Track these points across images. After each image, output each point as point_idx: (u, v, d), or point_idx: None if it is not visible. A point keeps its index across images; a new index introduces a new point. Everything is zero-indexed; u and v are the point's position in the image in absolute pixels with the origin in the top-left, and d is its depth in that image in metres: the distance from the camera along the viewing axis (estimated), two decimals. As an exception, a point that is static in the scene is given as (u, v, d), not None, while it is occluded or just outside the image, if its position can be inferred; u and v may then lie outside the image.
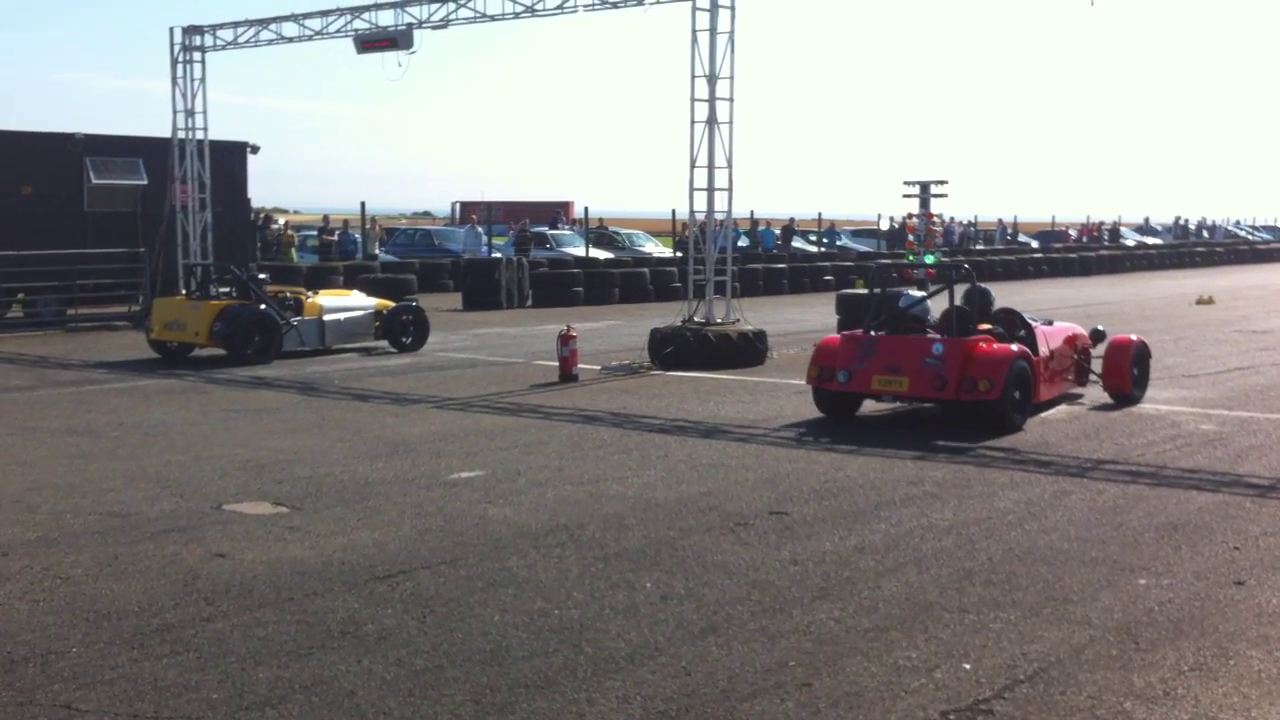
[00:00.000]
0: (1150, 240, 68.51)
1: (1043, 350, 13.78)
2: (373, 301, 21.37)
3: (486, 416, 13.94)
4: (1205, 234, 77.92)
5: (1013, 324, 14.00)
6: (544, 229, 43.91)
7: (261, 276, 20.96)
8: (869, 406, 13.82)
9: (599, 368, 18.11)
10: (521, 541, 8.35)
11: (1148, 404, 14.49)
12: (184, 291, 21.91)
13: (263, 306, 19.50)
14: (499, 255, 34.69)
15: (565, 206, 67.44)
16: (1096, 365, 14.89)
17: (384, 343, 20.91)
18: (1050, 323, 14.94)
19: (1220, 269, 56.24)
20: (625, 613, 6.85)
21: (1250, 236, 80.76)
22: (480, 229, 39.42)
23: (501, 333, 24.19)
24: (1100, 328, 15.84)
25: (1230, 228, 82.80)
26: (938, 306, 14.88)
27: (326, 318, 20.34)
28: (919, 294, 14.76)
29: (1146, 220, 78.32)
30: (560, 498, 9.70)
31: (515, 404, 14.86)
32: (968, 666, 6.05)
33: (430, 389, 16.08)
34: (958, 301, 13.73)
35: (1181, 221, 79.84)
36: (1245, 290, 38.89)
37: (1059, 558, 7.99)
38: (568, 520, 8.93)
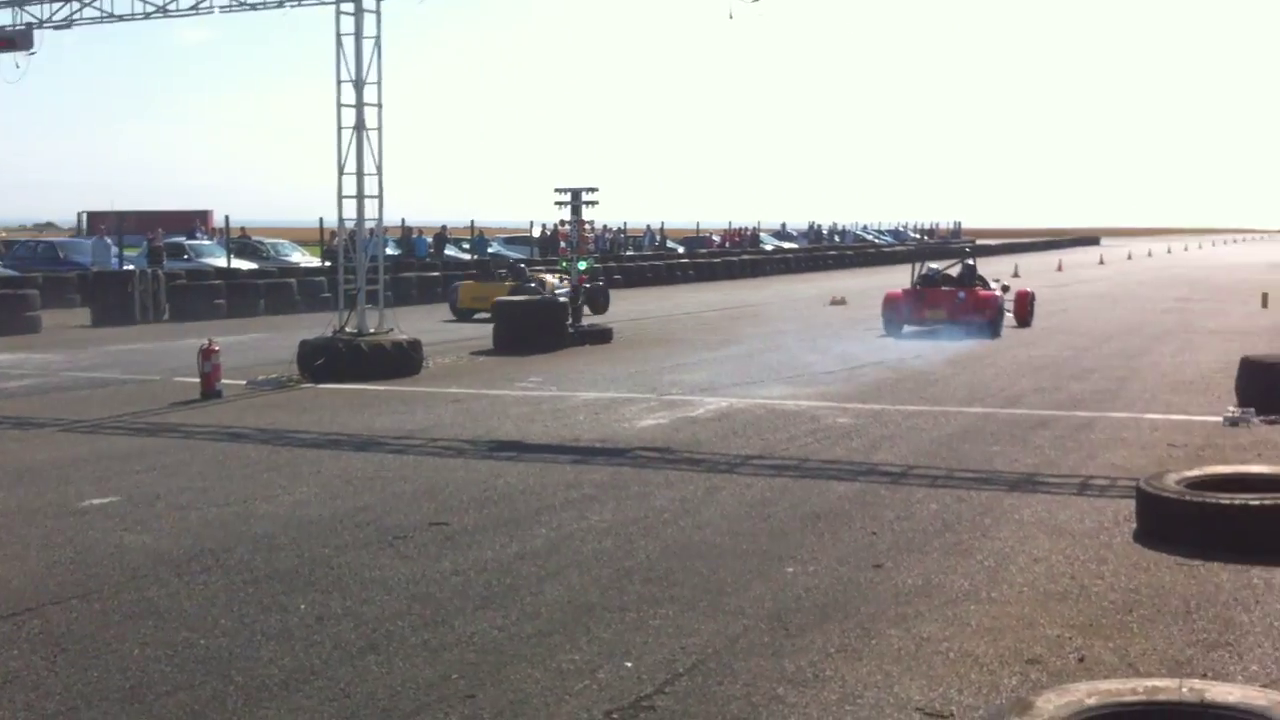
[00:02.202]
0: (787, 245, 72.15)
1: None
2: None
3: (121, 438, 13.10)
4: (836, 238, 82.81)
5: (984, 282, 25.02)
6: (181, 239, 41.90)
7: (521, 265, 32.47)
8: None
9: (245, 382, 17.36)
10: (162, 569, 7.84)
11: (789, 400, 15.18)
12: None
13: (531, 285, 28.70)
14: (131, 267, 32.81)
15: (204, 215, 64.59)
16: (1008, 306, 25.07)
17: (585, 308, 26.37)
18: (996, 282, 25.84)
19: (850, 271, 59.82)
20: (278, 637, 6.52)
21: (876, 240, 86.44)
22: (110, 240, 37.17)
23: (136, 349, 22.85)
24: (1005, 284, 26.66)
25: (859, 232, 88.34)
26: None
27: (556, 293, 27.51)
28: (937, 266, 26.18)
29: (783, 225, 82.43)
30: (204, 520, 9.19)
31: (153, 424, 14.04)
32: (629, 664, 6.09)
33: (56, 411, 14.98)
34: (954, 271, 25.64)
35: (815, 227, 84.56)
36: (873, 291, 41.32)
37: (713, 552, 8.20)
38: (213, 544, 8.46)
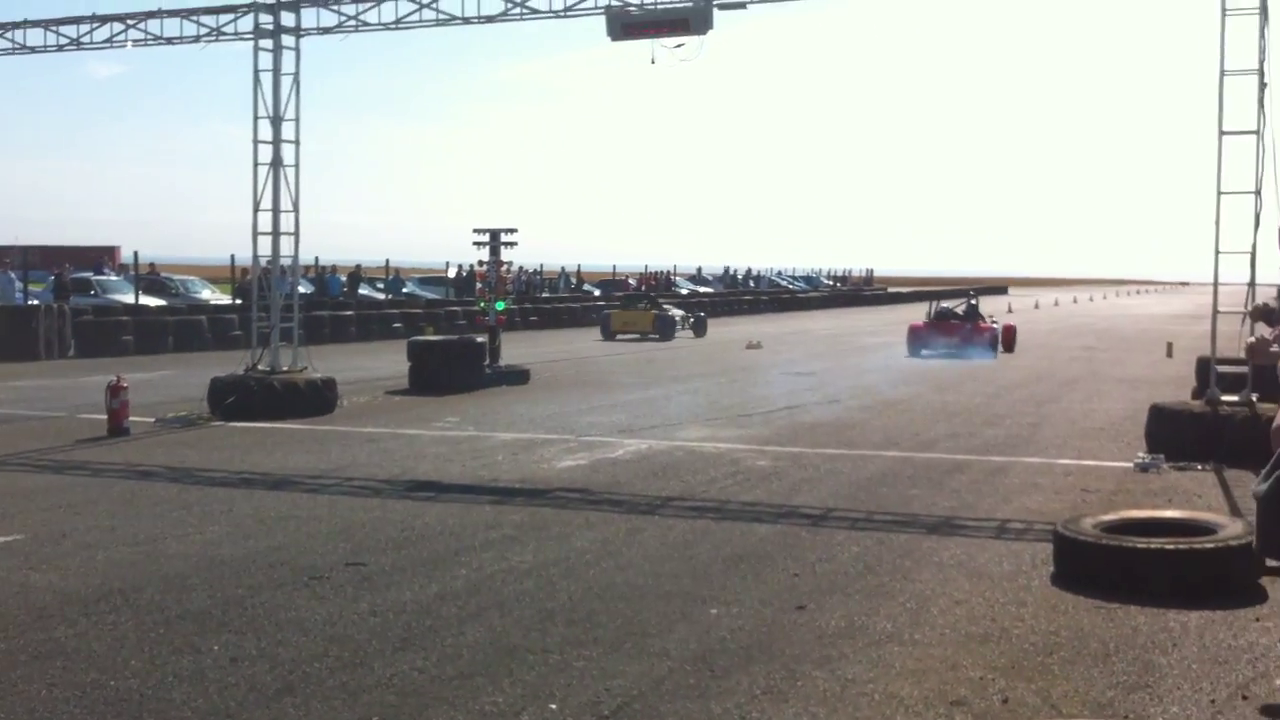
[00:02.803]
0: (703, 289, 72.49)
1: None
2: (681, 311, 42.17)
3: (25, 475, 12.73)
4: (751, 283, 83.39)
5: (983, 317, 32.52)
6: (88, 275, 41.07)
7: (654, 296, 45.18)
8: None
9: (153, 420, 17.01)
10: (70, 609, 7.59)
11: (708, 443, 15.18)
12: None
13: (668, 313, 39.87)
14: (36, 302, 32.08)
15: (111, 251, 63.41)
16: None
17: (690, 331, 40.23)
18: (990, 318, 33.28)
19: (765, 316, 60.29)
20: (191, 679, 6.33)
21: (790, 285, 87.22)
22: (14, 274, 36.34)
23: (41, 385, 22.31)
24: (995, 320, 33.19)
25: (773, 277, 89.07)
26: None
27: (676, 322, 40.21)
28: (948, 304, 33.96)
29: (699, 270, 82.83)
30: (113, 560, 8.94)
31: (58, 461, 13.67)
32: (554, 707, 5.99)
33: (-41, 447, 14.54)
34: (960, 309, 33.62)
35: (730, 271, 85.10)
36: (788, 335, 41.82)
37: (636, 593, 8.13)
38: (122, 584, 8.22)
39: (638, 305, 41.36)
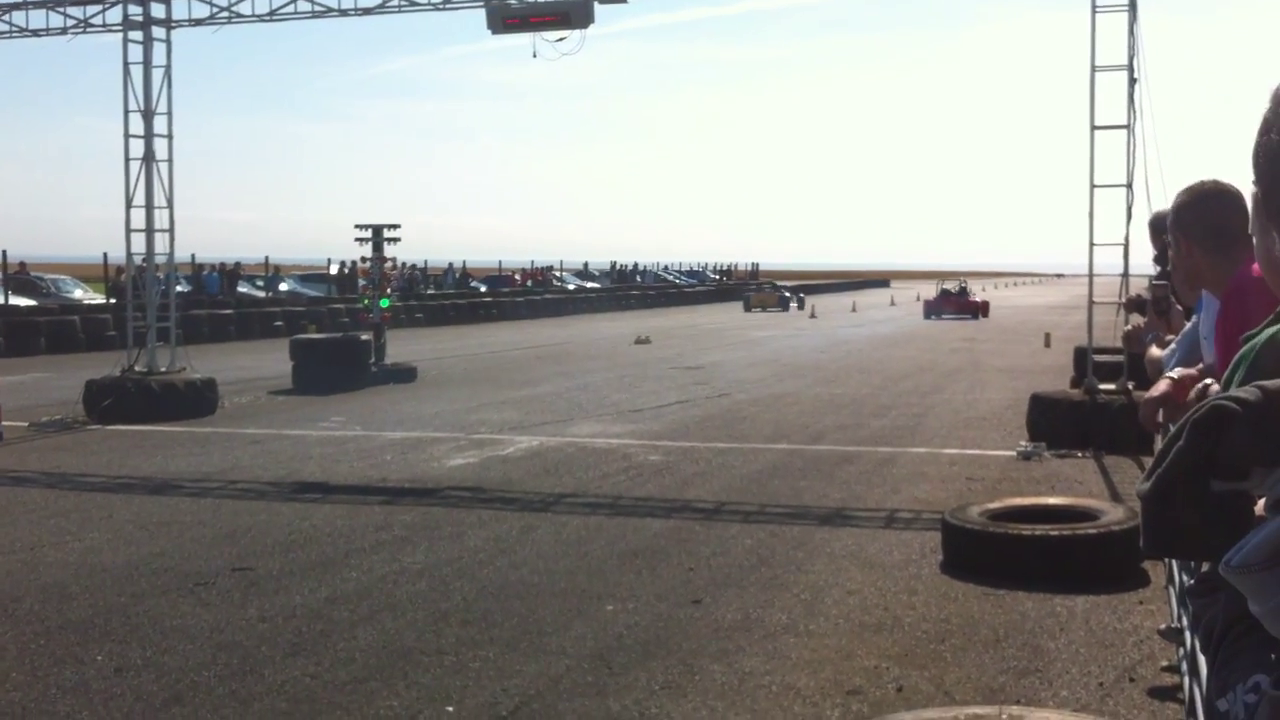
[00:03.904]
0: (590, 284, 72.45)
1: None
2: (789, 293, 61.54)
3: (-109, 484, 12.25)
4: (638, 278, 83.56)
5: (971, 294, 55.40)
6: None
7: (771, 283, 70.95)
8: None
9: (26, 424, 16.48)
10: (-58, 622, 7.32)
11: (599, 439, 15.16)
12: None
13: (786, 296, 61.07)
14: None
15: (-21, 250, 61.26)
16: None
17: (796, 304, 59.96)
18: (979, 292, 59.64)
19: (653, 311, 60.33)
20: (75, 690, 6.13)
21: (677, 280, 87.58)
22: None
23: (-93, 389, 21.49)
24: (976, 297, 54.14)
25: (660, 272, 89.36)
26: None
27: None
28: (948, 286, 54.75)
29: (586, 265, 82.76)
30: (-13, 569, 8.63)
31: (-73, 468, 13.17)
32: (450, 709, 5.92)
33: None
34: (954, 288, 55.10)
35: (617, 266, 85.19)
36: (676, 330, 41.98)
37: (531, 591, 8.07)
38: (-2, 594, 7.94)
39: (765, 289, 64.31)
